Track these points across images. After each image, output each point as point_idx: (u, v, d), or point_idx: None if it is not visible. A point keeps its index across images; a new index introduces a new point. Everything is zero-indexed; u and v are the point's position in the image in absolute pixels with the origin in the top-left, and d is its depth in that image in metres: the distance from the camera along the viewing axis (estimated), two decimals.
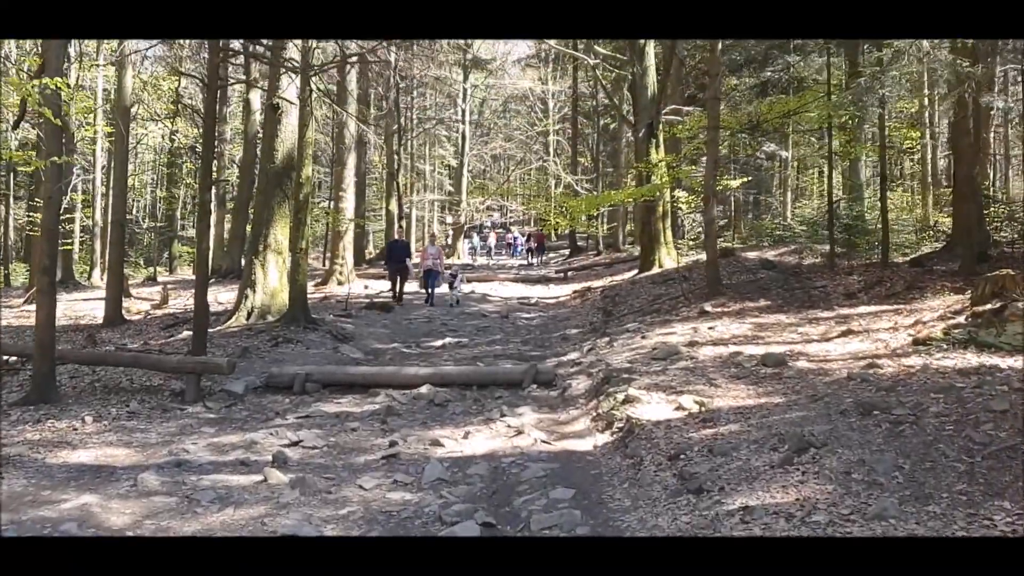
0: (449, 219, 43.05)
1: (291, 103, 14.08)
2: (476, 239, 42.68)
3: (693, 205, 21.32)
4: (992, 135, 23.78)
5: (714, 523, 4.42)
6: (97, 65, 26.02)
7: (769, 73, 22.33)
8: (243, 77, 22.49)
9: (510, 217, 56.09)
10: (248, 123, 23.28)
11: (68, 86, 10.90)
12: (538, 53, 39.71)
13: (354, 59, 18.78)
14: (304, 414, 8.18)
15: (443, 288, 18.17)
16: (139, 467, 6.32)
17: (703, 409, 6.58)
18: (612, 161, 37.54)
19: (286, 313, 13.14)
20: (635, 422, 6.53)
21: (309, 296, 14.08)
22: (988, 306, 8.20)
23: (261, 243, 14.06)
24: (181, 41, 23.31)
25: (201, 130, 14.85)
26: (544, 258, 35.32)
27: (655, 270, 19.27)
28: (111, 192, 21.87)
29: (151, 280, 27.11)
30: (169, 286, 21.41)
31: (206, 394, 8.94)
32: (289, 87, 14.38)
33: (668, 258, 19.91)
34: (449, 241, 38.00)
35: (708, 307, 11.90)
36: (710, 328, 10.42)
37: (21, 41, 20.55)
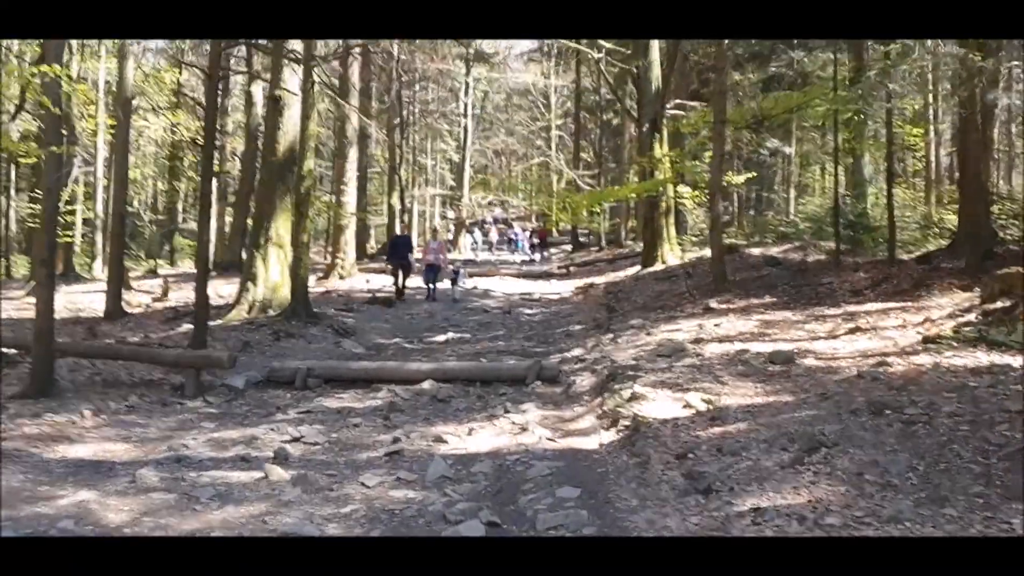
0: (451, 214, 42.94)
1: (293, 94, 13.96)
2: (478, 234, 42.53)
3: (697, 201, 21.23)
4: (996, 132, 23.63)
5: (724, 524, 4.32)
6: (98, 56, 25.88)
7: (774, 69, 22.20)
8: (245, 68, 22.37)
9: (512, 213, 55.95)
10: (250, 115, 23.17)
11: (70, 77, 10.83)
12: (541, 47, 39.61)
13: (357, 50, 18.66)
14: (305, 409, 8.09)
15: (445, 283, 18.08)
16: (138, 463, 6.23)
17: (711, 407, 6.49)
18: (615, 156, 37.43)
19: (287, 307, 13.05)
20: (641, 420, 6.43)
21: (310, 290, 14.00)
22: (999, 304, 8.11)
23: (262, 236, 13.96)
24: None
25: (202, 122, 14.75)
26: (546, 254, 35.23)
27: (658, 266, 19.18)
28: (112, 184, 21.77)
29: (152, 273, 26.99)
30: (170, 279, 21.30)
31: (206, 388, 8.85)
32: (291, 79, 14.27)
33: (671, 254, 19.82)
34: (451, 236, 37.90)
35: (713, 304, 11.81)
36: (716, 325, 10.32)
37: None
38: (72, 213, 28.63)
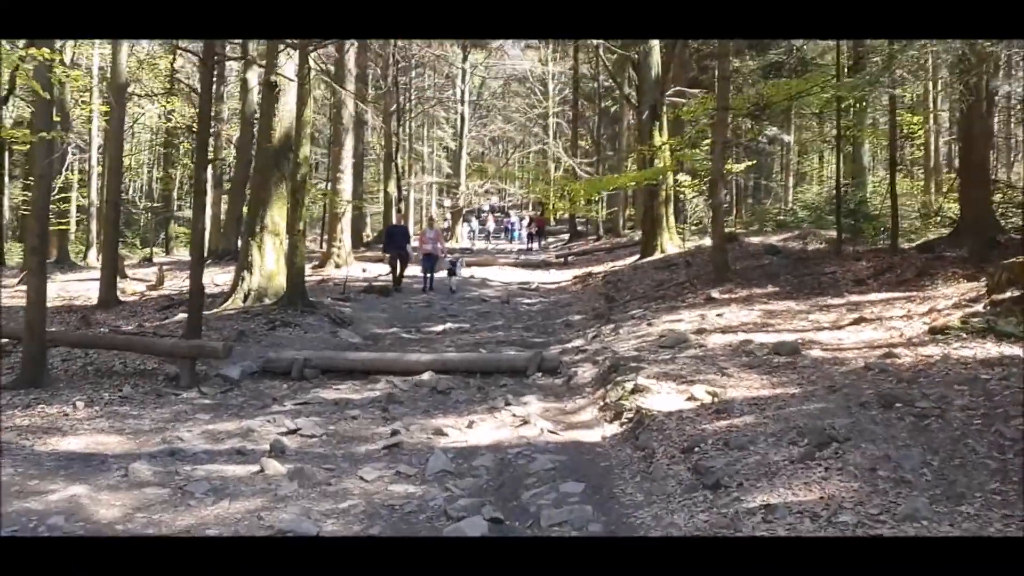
0: (447, 202, 42.70)
1: (289, 80, 13.76)
2: (475, 223, 42.29)
3: (696, 189, 21.06)
4: (996, 120, 23.48)
5: (734, 522, 4.20)
6: (92, 42, 25.58)
7: (773, 56, 22.01)
8: (240, 54, 22.09)
9: (509, 201, 55.68)
10: (245, 102, 22.89)
11: (63, 63, 10.61)
12: None
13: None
14: (302, 400, 7.95)
15: (442, 273, 17.92)
16: (131, 456, 6.10)
17: (716, 399, 6.36)
18: (613, 144, 37.19)
19: (283, 296, 12.90)
20: (645, 412, 6.31)
21: (306, 279, 13.84)
22: (1007, 294, 7.98)
23: (258, 224, 13.79)
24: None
25: (197, 109, 14.54)
26: (544, 243, 35.06)
27: (657, 255, 19.03)
28: (106, 172, 21.56)
29: (147, 261, 26.81)
30: (165, 267, 21.12)
31: (201, 379, 8.71)
32: (287, 64, 14.07)
33: (670, 243, 19.67)
34: (448, 225, 37.68)
35: (715, 293, 11.67)
36: (718, 315, 10.18)
37: None
38: (67, 200, 28.42)
